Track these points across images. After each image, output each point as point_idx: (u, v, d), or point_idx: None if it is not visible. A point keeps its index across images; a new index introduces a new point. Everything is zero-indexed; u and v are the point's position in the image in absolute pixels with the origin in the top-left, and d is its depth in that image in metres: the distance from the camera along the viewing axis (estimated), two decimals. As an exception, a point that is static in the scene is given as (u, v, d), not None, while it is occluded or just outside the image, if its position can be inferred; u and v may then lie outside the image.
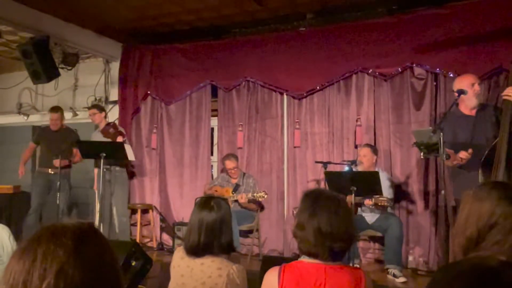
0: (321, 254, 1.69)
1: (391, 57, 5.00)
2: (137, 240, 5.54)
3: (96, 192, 5.60)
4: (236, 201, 5.07)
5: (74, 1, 5.06)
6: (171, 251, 5.45)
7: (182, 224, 5.49)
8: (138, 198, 6.27)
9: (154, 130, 6.26)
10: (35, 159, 6.22)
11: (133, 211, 6.08)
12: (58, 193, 5.08)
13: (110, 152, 4.93)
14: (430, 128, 3.75)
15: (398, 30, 5.00)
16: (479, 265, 0.93)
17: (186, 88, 6.09)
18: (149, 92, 6.30)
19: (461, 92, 3.61)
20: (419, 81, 4.94)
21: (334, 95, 5.34)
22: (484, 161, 3.46)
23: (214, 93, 6.04)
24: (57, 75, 5.56)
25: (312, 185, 5.32)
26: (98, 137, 5.45)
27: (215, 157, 6.18)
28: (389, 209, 4.59)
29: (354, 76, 5.24)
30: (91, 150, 5.00)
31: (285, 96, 5.61)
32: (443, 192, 3.59)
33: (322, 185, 5.05)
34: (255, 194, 4.94)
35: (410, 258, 4.78)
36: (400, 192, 4.90)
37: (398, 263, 4.34)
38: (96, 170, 5.60)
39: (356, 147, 5.13)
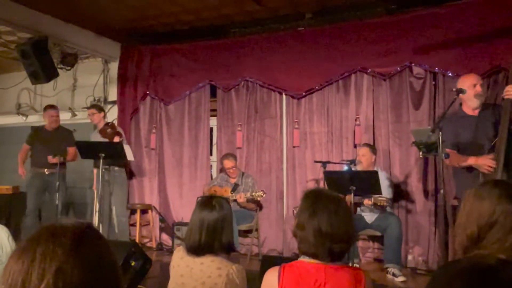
0: (321, 254, 1.69)
1: (390, 56, 5.00)
2: (137, 240, 5.54)
3: (95, 192, 5.60)
4: (235, 200, 5.07)
5: (72, 2, 5.06)
6: (170, 251, 5.45)
7: (181, 224, 5.49)
8: (138, 198, 6.27)
9: (153, 130, 6.26)
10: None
11: (133, 211, 6.08)
12: (57, 194, 5.07)
13: (109, 153, 4.92)
14: (429, 127, 3.76)
15: (397, 30, 5.00)
16: (479, 264, 0.93)
17: (185, 88, 6.09)
18: (148, 92, 6.30)
19: (459, 91, 3.60)
20: (418, 80, 4.94)
21: (333, 94, 5.34)
22: None
23: (213, 93, 6.04)
24: (55, 75, 5.56)
25: (311, 185, 5.32)
26: (97, 137, 5.44)
27: (214, 157, 6.18)
28: (388, 209, 4.60)
29: (353, 76, 5.24)
30: (90, 150, 4.99)
31: (284, 95, 5.62)
32: (442, 191, 3.59)
33: (321, 184, 5.05)
34: (253, 194, 4.95)
35: (410, 257, 4.79)
36: (399, 192, 4.90)
37: (398, 263, 4.34)
38: (95, 171, 5.59)
39: (355, 146, 5.13)
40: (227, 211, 2.20)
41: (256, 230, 5.26)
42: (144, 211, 6.05)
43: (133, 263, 3.52)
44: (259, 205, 5.38)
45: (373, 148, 4.80)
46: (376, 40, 5.08)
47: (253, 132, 5.73)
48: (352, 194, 4.07)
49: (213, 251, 2.11)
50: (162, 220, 6.09)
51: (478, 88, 3.76)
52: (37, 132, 5.78)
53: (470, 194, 1.48)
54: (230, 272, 2.05)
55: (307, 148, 5.44)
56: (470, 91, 3.74)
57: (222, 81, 5.90)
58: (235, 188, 5.21)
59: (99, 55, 6.40)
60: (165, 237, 6.02)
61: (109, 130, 5.25)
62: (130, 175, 6.21)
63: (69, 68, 6.04)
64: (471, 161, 3.58)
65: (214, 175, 6.03)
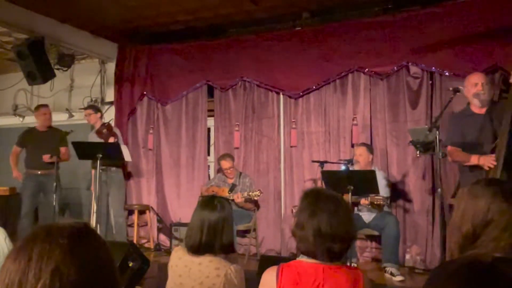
0: (320, 254, 1.69)
1: (386, 56, 5.01)
2: (134, 241, 5.53)
3: (93, 193, 5.58)
4: (233, 200, 5.07)
5: (69, 2, 5.05)
6: (168, 252, 5.44)
7: (179, 224, 5.48)
8: (135, 198, 6.25)
9: (151, 131, 6.25)
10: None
11: (130, 212, 6.07)
12: (54, 194, 5.05)
13: (106, 153, 4.91)
14: (426, 126, 3.76)
15: (394, 29, 5.01)
16: (476, 262, 0.93)
17: (182, 88, 6.08)
18: (145, 92, 6.29)
19: (456, 90, 3.61)
20: (414, 80, 4.95)
21: (330, 94, 5.35)
22: None
23: (211, 93, 6.04)
24: (52, 76, 5.54)
25: (309, 185, 5.32)
26: (94, 138, 5.43)
27: (212, 157, 6.17)
28: (385, 208, 4.60)
29: (350, 75, 5.24)
30: (87, 151, 4.98)
31: (281, 95, 5.62)
32: (439, 190, 3.60)
33: (319, 184, 5.05)
34: (250, 193, 4.95)
35: (407, 256, 4.79)
36: (397, 191, 4.91)
37: (396, 262, 4.35)
38: (93, 171, 5.58)
39: (352, 146, 5.13)
40: (228, 212, 2.20)
41: (254, 230, 5.25)
42: (141, 212, 6.04)
43: (130, 264, 3.51)
44: (257, 205, 5.38)
45: (370, 147, 4.81)
46: (373, 39, 5.08)
47: (251, 132, 5.73)
48: (350, 193, 4.07)
49: (213, 251, 2.11)
50: (159, 220, 6.08)
51: (479, 88, 3.76)
52: (28, 134, 5.72)
53: (464, 193, 1.47)
54: (228, 273, 2.05)
55: (305, 148, 5.44)
56: (471, 90, 3.76)
57: (219, 81, 5.90)
58: (232, 188, 5.21)
59: (96, 55, 6.39)
60: (163, 238, 6.01)
61: (104, 130, 5.25)
62: (128, 175, 6.20)
63: (65, 68, 6.02)
64: (474, 159, 3.60)
65: (212, 176, 6.02)
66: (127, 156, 5.24)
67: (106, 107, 6.52)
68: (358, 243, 4.98)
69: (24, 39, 5.29)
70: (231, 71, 5.78)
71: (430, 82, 4.89)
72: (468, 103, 3.85)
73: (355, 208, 4.63)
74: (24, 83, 5.89)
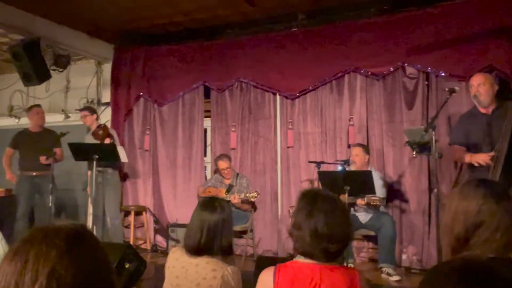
0: (317, 254, 1.69)
1: (383, 56, 5.02)
2: (131, 242, 5.52)
3: (89, 194, 5.57)
4: (229, 201, 5.06)
5: (65, 3, 5.03)
6: (165, 253, 5.43)
7: (176, 225, 5.47)
8: (132, 200, 6.24)
9: (147, 132, 6.24)
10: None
11: (127, 213, 6.05)
12: (50, 196, 5.03)
13: (102, 154, 4.90)
14: (422, 127, 3.77)
15: (390, 30, 5.02)
16: (471, 262, 0.94)
17: (178, 89, 6.08)
18: (141, 93, 6.28)
19: (452, 90, 3.63)
20: (410, 80, 4.97)
21: (326, 95, 5.36)
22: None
23: (207, 94, 6.04)
24: (48, 77, 5.52)
25: (305, 185, 5.33)
26: (90, 139, 5.42)
27: (208, 158, 6.17)
28: (382, 208, 4.62)
29: (346, 76, 5.26)
30: (83, 152, 4.96)
31: (278, 96, 5.62)
32: (435, 190, 3.62)
33: (316, 184, 5.06)
34: (247, 194, 4.95)
35: (404, 256, 4.81)
36: (393, 191, 4.92)
37: (392, 262, 4.36)
38: (89, 173, 5.56)
39: (349, 146, 5.14)
40: (228, 214, 2.20)
41: (251, 231, 5.25)
42: (138, 213, 6.03)
43: (127, 265, 3.51)
44: (254, 206, 5.38)
45: (366, 148, 4.82)
46: (369, 40, 5.10)
47: (247, 133, 5.73)
48: (346, 194, 4.08)
49: (212, 253, 2.11)
50: (156, 221, 6.07)
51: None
52: (21, 135, 5.69)
53: (455, 194, 1.48)
54: (225, 274, 2.05)
55: (301, 149, 5.45)
56: (470, 92, 3.81)
57: (215, 82, 5.90)
58: (229, 189, 5.21)
59: (92, 56, 6.38)
60: (159, 239, 6.00)
61: (100, 132, 5.23)
62: (124, 176, 6.19)
63: (61, 69, 6.00)
64: (467, 158, 3.63)
65: (208, 176, 6.02)
66: (123, 157, 5.23)
67: (103, 108, 6.50)
68: (354, 243, 4.99)
69: (20, 40, 5.28)
70: (227, 72, 5.78)
71: (426, 82, 4.91)
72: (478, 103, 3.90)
73: (352, 209, 4.64)
74: (20, 84, 5.87)
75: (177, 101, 6.12)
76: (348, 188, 4.07)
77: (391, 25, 5.03)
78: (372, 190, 4.17)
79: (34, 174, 5.47)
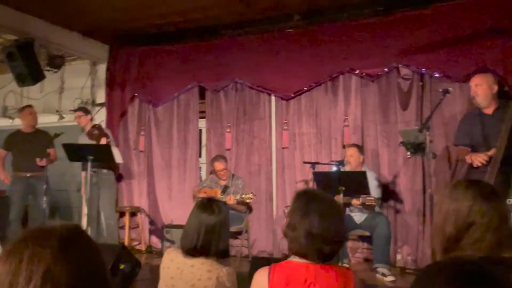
0: (311, 254, 1.69)
1: (377, 57, 5.04)
2: (126, 243, 5.50)
3: (84, 195, 5.55)
4: (225, 202, 5.06)
5: (59, 3, 5.01)
6: (160, 254, 5.42)
7: (171, 226, 5.46)
8: (126, 200, 6.22)
9: (142, 132, 6.23)
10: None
11: (121, 214, 6.03)
12: (44, 197, 5.01)
13: (97, 155, 4.89)
14: (416, 127, 3.80)
15: (384, 31, 5.04)
16: (461, 261, 0.94)
17: (173, 90, 6.07)
18: (136, 94, 6.27)
19: (446, 91, 3.66)
20: (405, 81, 4.99)
21: (321, 95, 5.37)
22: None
23: (202, 95, 6.03)
24: (42, 77, 5.49)
25: (300, 186, 5.33)
26: (85, 140, 5.40)
27: (203, 159, 6.16)
28: (377, 209, 4.63)
29: (341, 77, 5.27)
30: (78, 153, 4.94)
31: (273, 97, 5.63)
32: (430, 190, 3.64)
33: (311, 185, 5.07)
34: (242, 196, 4.94)
35: (399, 256, 4.82)
36: (388, 192, 4.93)
37: (387, 262, 4.37)
38: (83, 173, 5.54)
39: (344, 147, 5.15)
40: (225, 216, 2.20)
41: (246, 231, 5.25)
42: (133, 214, 6.01)
43: (122, 266, 3.50)
44: (249, 207, 5.37)
45: (360, 148, 4.83)
46: (363, 41, 5.11)
47: (242, 134, 5.73)
48: (341, 194, 4.09)
49: (208, 255, 2.11)
50: (151, 222, 6.06)
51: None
52: (14, 136, 5.65)
53: (445, 195, 1.49)
54: (220, 275, 2.05)
55: (296, 149, 5.45)
56: (472, 90, 3.85)
57: (211, 83, 5.89)
58: (225, 190, 5.21)
59: (86, 57, 6.35)
60: (154, 240, 5.98)
61: (95, 132, 5.21)
62: (119, 177, 6.16)
63: (56, 70, 5.97)
64: (467, 159, 3.67)
65: (204, 177, 6.02)
66: (118, 157, 5.21)
67: (97, 108, 6.48)
68: (349, 243, 5.00)
69: (14, 40, 5.25)
70: (222, 72, 5.78)
71: (421, 83, 4.93)
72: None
73: (347, 209, 4.65)
74: (13, 85, 5.84)
75: (172, 101, 6.11)
76: (343, 188, 4.08)
77: (385, 26, 5.05)
78: (366, 191, 4.18)
79: (27, 175, 5.44)
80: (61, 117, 6.61)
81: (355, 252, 5.12)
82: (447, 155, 4.71)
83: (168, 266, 2.18)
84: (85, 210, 5.85)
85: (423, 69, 4.86)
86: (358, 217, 4.63)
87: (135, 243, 6.01)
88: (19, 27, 5.20)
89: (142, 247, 5.88)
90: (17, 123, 6.93)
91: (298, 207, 1.77)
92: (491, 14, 4.53)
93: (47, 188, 5.03)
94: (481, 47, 4.56)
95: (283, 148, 5.52)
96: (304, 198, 1.80)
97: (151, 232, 6.04)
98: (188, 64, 5.99)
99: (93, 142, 5.24)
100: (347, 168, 4.68)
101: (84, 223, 5.61)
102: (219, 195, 5.13)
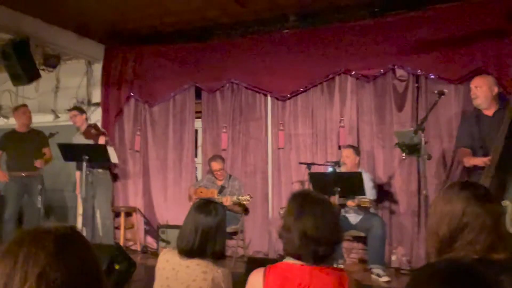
0: (306, 256, 1.70)
1: (373, 59, 5.05)
2: (121, 243, 5.49)
3: (79, 195, 5.53)
4: (221, 203, 5.05)
5: (55, 2, 4.99)
6: (155, 254, 5.41)
7: (166, 226, 5.45)
8: (122, 201, 6.21)
9: (138, 132, 6.21)
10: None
11: (117, 214, 6.01)
12: (39, 197, 4.99)
13: (92, 155, 4.87)
14: (412, 129, 3.81)
15: (380, 32, 5.06)
16: (454, 263, 0.95)
17: (169, 90, 6.06)
18: (132, 94, 6.25)
19: (441, 93, 3.67)
20: (401, 82, 5.01)
21: (317, 96, 5.38)
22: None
23: (198, 95, 6.03)
24: (38, 77, 5.47)
25: (296, 186, 5.34)
26: (79, 139, 5.38)
27: (199, 159, 6.16)
28: (372, 210, 4.64)
29: (337, 78, 5.28)
30: (73, 153, 4.93)
31: (269, 97, 5.63)
32: (424, 192, 3.65)
33: (306, 186, 5.08)
34: (239, 197, 4.93)
35: (393, 257, 4.84)
36: (383, 193, 4.95)
37: (382, 263, 4.38)
38: (78, 173, 5.52)
39: (339, 148, 5.17)
40: (222, 218, 2.20)
41: (241, 232, 5.25)
42: (128, 214, 5.99)
43: (117, 267, 3.49)
44: (245, 209, 5.36)
45: (357, 149, 4.84)
46: (359, 42, 5.13)
47: (238, 134, 5.73)
48: (337, 195, 4.10)
49: (204, 256, 2.11)
50: (146, 222, 6.05)
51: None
52: (8, 136, 5.61)
53: (439, 197, 1.50)
54: (215, 276, 2.05)
55: (292, 150, 5.46)
56: (472, 92, 3.87)
57: (206, 83, 5.89)
58: (221, 190, 5.20)
59: (82, 56, 6.33)
60: (149, 240, 5.97)
61: (93, 131, 5.20)
62: (114, 177, 6.15)
63: (51, 69, 5.96)
64: (465, 161, 3.69)
65: (199, 178, 6.01)
66: (113, 157, 5.20)
67: (93, 108, 6.46)
68: (344, 244, 5.01)
69: (9, 39, 5.22)
70: (218, 73, 5.78)
71: (416, 85, 4.95)
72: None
73: (342, 210, 4.66)
74: (9, 84, 5.81)
75: (168, 102, 6.11)
76: (339, 189, 4.09)
77: (381, 28, 5.07)
78: (362, 192, 4.19)
79: (22, 175, 5.41)
80: (57, 117, 6.59)
81: (350, 252, 5.13)
82: (442, 157, 4.74)
83: (164, 267, 2.18)
84: (80, 210, 5.83)
85: (418, 71, 4.88)
86: (353, 218, 4.64)
87: (130, 243, 6.00)
88: (15, 26, 5.17)
89: (137, 247, 5.86)
90: (12, 122, 6.90)
91: (293, 209, 1.77)
92: (486, 16, 4.55)
93: (42, 188, 5.01)
94: (476, 49, 4.58)
95: (279, 148, 5.53)
96: (299, 200, 1.80)
97: (146, 232, 6.03)
98: (184, 64, 5.99)
99: (90, 141, 5.23)
100: (342, 169, 4.69)
101: (79, 223, 5.60)
102: (215, 195, 5.13)
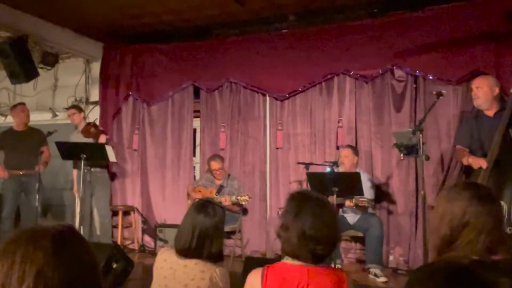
0: (304, 256, 1.70)
1: (372, 59, 5.06)
2: (119, 242, 5.48)
3: (76, 194, 5.51)
4: (220, 203, 5.04)
5: (53, 0, 4.97)
6: (153, 253, 5.41)
7: (164, 226, 5.45)
8: (120, 199, 6.20)
9: (136, 131, 6.21)
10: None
11: (114, 213, 6.00)
12: (37, 195, 4.98)
13: (90, 153, 4.86)
14: (410, 129, 3.81)
15: (379, 33, 5.06)
16: (452, 264, 0.95)
17: (168, 89, 6.06)
18: (130, 92, 6.24)
19: (439, 94, 3.67)
20: (399, 83, 5.01)
21: (316, 96, 5.38)
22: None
23: (197, 94, 6.02)
24: (36, 75, 5.46)
25: (294, 186, 5.35)
26: (77, 138, 5.36)
27: (197, 158, 6.16)
28: (370, 210, 4.65)
29: (336, 78, 5.28)
30: (71, 151, 4.92)
31: (267, 97, 5.63)
32: (422, 192, 3.65)
33: (304, 186, 5.08)
34: (238, 197, 4.93)
35: (391, 257, 4.85)
36: (381, 193, 4.95)
37: (379, 263, 4.39)
38: (75, 172, 5.51)
39: (337, 148, 5.17)
40: (220, 220, 2.19)
41: (239, 231, 5.25)
42: (126, 213, 5.98)
43: (114, 265, 3.49)
44: (244, 209, 5.36)
45: (355, 149, 4.85)
46: (358, 42, 5.13)
47: (237, 133, 5.73)
48: (335, 195, 4.10)
49: (201, 257, 2.10)
50: (144, 221, 6.04)
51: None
52: (6, 134, 5.60)
53: (442, 197, 1.51)
54: (213, 276, 2.05)
55: (290, 150, 5.46)
56: (472, 92, 3.88)
57: (205, 82, 5.89)
58: (220, 189, 5.20)
59: (80, 54, 6.32)
60: (147, 239, 5.96)
61: (92, 129, 5.19)
62: (112, 176, 6.14)
63: (49, 67, 5.94)
64: (465, 160, 3.69)
65: (197, 177, 6.00)
66: (111, 156, 5.19)
67: (91, 107, 6.45)
68: (342, 244, 5.02)
69: (7, 37, 5.21)
70: (217, 72, 5.77)
71: (415, 85, 4.95)
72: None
73: (340, 210, 4.66)
74: (6, 82, 5.80)
75: (167, 100, 6.10)
76: (337, 189, 4.09)
77: (380, 28, 5.07)
78: (360, 192, 4.20)
79: (21, 173, 5.40)
80: (55, 115, 6.57)
81: (348, 252, 5.14)
82: (440, 158, 4.75)
83: (162, 266, 2.18)
84: (78, 208, 5.82)
85: (417, 71, 4.88)
86: (351, 218, 4.65)
87: (128, 242, 5.99)
88: (13, 24, 5.16)
89: (135, 246, 5.86)
90: (10, 120, 6.89)
91: (292, 208, 1.77)
92: (484, 18, 4.56)
93: (39, 186, 5.00)
94: (474, 51, 4.59)
95: (277, 148, 5.53)
96: (297, 199, 1.80)
97: (144, 231, 6.02)
98: (182, 63, 5.98)
99: (89, 140, 5.21)
100: (341, 169, 4.69)
101: (77, 221, 5.59)
102: (214, 195, 5.13)
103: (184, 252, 2.12)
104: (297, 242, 1.69)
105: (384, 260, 4.67)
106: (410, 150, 3.57)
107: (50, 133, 5.16)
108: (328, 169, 4.75)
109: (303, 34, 5.44)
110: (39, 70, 5.54)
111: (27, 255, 0.82)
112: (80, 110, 5.59)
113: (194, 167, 6.16)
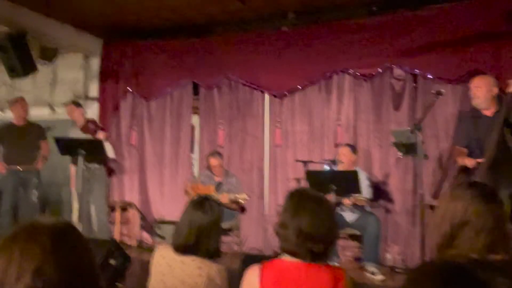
0: (302, 253, 1.70)
1: (371, 57, 5.05)
2: (116, 238, 5.48)
3: (74, 190, 5.51)
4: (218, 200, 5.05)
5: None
6: (150, 250, 5.40)
7: (162, 222, 5.45)
8: (117, 195, 6.20)
9: (134, 127, 6.20)
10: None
11: (112, 209, 6.00)
12: (35, 191, 4.97)
13: (89, 149, 4.85)
14: (409, 128, 3.82)
15: (379, 31, 5.06)
16: (449, 264, 0.96)
17: (167, 86, 6.05)
18: (129, 88, 6.23)
19: (438, 93, 3.68)
20: (398, 82, 5.01)
21: (315, 94, 5.38)
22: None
23: (196, 91, 6.02)
24: (34, 70, 5.44)
25: (292, 184, 5.34)
26: (75, 133, 5.35)
27: (196, 155, 6.15)
28: (367, 208, 4.66)
29: (335, 76, 5.29)
30: (69, 147, 4.91)
31: (266, 94, 5.63)
32: (420, 191, 3.66)
33: (303, 183, 5.08)
34: (237, 196, 4.92)
35: (388, 256, 4.85)
36: (379, 191, 4.96)
37: (376, 261, 4.40)
38: (72, 167, 5.50)
39: (336, 146, 5.17)
40: (218, 217, 2.20)
41: (237, 228, 5.25)
42: (124, 209, 5.99)
43: (112, 262, 3.49)
44: (241, 207, 5.35)
45: (354, 148, 4.85)
46: (358, 41, 5.12)
47: (235, 131, 5.73)
48: (333, 193, 4.10)
49: (199, 254, 2.11)
50: (142, 218, 6.04)
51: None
52: (5, 129, 5.59)
53: (445, 195, 1.52)
54: (211, 272, 2.05)
55: (289, 147, 5.46)
56: (471, 92, 3.88)
57: (204, 79, 5.88)
58: (218, 187, 5.20)
59: (79, 50, 6.30)
60: (145, 235, 5.97)
61: (91, 126, 5.18)
62: (110, 172, 6.14)
63: (48, 62, 5.92)
64: (459, 160, 3.70)
65: (196, 174, 6.00)
66: (110, 152, 5.19)
67: (90, 102, 6.43)
68: (340, 242, 5.02)
69: (6, 32, 5.19)
70: (216, 69, 5.77)
71: (413, 84, 4.95)
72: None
73: (338, 208, 4.67)
74: (5, 77, 5.77)
75: (165, 97, 6.10)
76: (335, 187, 4.10)
77: (380, 27, 5.07)
78: (358, 190, 4.20)
79: (19, 168, 5.39)
80: (53, 111, 6.55)
81: (345, 250, 5.14)
82: (439, 157, 4.75)
83: (159, 263, 2.18)
84: (75, 204, 5.82)
85: (416, 70, 4.89)
86: (349, 216, 4.65)
87: (125, 238, 5.99)
88: (11, 18, 5.14)
89: (133, 242, 5.86)
90: (9, 115, 6.86)
91: (290, 206, 1.78)
92: (484, 17, 4.56)
93: (38, 182, 4.99)
94: (473, 50, 4.59)
95: (275, 146, 5.53)
96: (296, 197, 1.81)
97: (142, 227, 6.02)
98: (182, 60, 5.97)
99: (88, 135, 5.20)
100: (339, 167, 4.70)
101: (74, 217, 5.59)
102: (212, 192, 5.12)
103: (182, 248, 2.12)
104: (295, 239, 1.70)
105: (381, 258, 4.69)
106: (408, 148, 3.58)
107: (49, 128, 5.15)
108: (326, 167, 4.76)
109: (302, 32, 5.43)
110: (38, 65, 5.52)
111: (25, 251, 0.82)
112: (78, 105, 5.58)
113: (193, 164, 6.15)
